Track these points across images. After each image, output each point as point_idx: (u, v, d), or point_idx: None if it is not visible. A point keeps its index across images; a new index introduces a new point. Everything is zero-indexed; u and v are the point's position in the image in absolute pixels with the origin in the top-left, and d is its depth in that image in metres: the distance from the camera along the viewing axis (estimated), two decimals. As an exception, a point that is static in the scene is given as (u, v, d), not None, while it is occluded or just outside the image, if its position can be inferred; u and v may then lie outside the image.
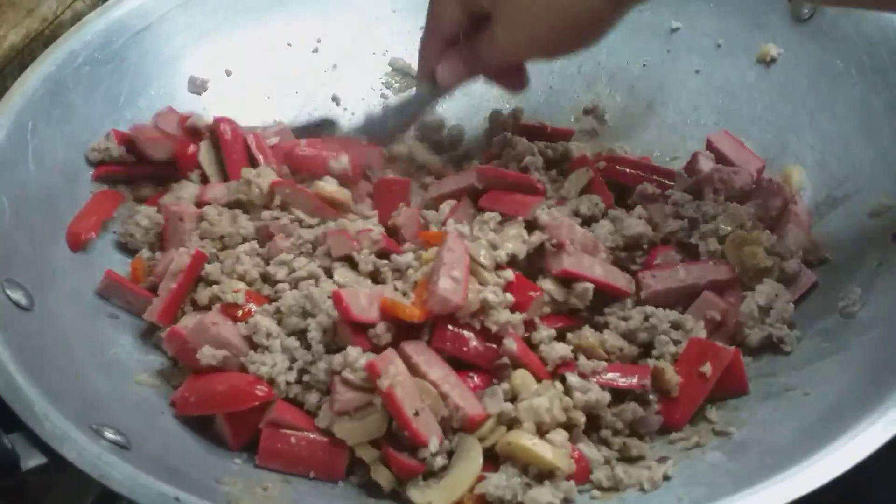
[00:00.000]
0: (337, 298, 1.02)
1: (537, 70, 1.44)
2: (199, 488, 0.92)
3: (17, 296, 1.02)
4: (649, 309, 1.10)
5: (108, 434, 0.91)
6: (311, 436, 1.01)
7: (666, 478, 0.99)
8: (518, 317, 1.04)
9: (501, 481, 0.96)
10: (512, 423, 1.01)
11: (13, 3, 1.27)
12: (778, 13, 1.34)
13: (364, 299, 1.03)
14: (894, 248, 1.11)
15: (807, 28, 1.31)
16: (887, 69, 1.22)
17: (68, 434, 0.88)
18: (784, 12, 1.33)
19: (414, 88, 1.39)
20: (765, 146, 1.31)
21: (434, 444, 0.97)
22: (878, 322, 1.05)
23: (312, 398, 1.03)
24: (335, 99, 1.45)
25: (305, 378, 1.04)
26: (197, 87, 1.36)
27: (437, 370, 1.01)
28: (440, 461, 0.98)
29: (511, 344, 1.02)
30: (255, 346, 1.05)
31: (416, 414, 0.97)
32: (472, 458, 0.97)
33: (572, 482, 0.97)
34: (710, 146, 1.31)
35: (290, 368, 1.04)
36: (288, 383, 1.03)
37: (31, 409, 0.89)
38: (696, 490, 0.94)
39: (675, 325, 1.10)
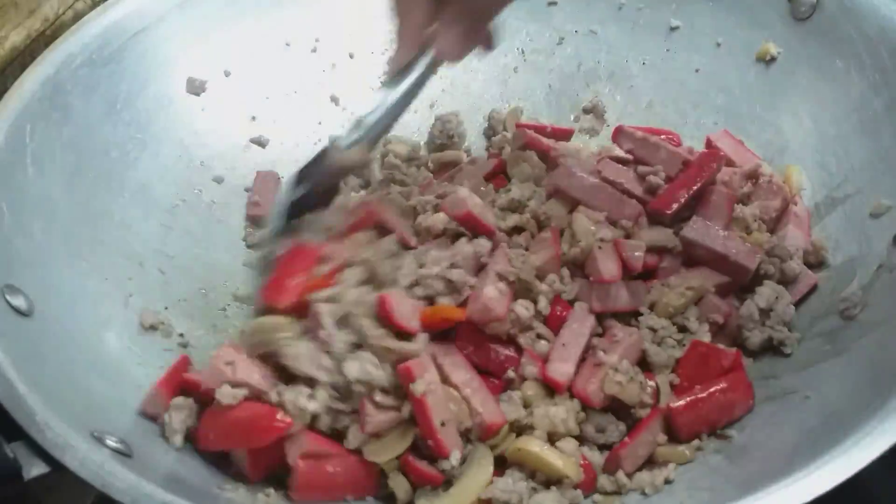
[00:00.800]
0: (382, 301, 1.02)
1: (537, 69, 1.46)
2: (201, 496, 0.93)
3: (18, 302, 1.02)
4: (654, 321, 1.09)
5: (110, 442, 0.91)
6: (345, 460, 0.99)
7: (667, 481, 0.99)
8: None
9: (508, 486, 0.96)
10: (522, 430, 1.01)
11: (15, 4, 1.26)
12: (777, 12, 1.33)
13: (408, 308, 1.03)
14: (894, 250, 1.11)
15: (806, 27, 1.30)
16: (887, 68, 1.21)
17: (70, 442, 0.88)
18: (784, 11, 1.33)
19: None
20: (764, 146, 1.31)
21: (455, 457, 0.97)
22: (879, 324, 1.04)
23: (345, 421, 1.01)
24: (334, 99, 1.44)
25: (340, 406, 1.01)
26: (195, 87, 1.36)
27: (461, 373, 1.01)
28: (458, 472, 0.98)
29: (532, 369, 1.03)
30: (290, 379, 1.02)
31: (443, 425, 0.97)
32: (482, 467, 0.98)
33: (579, 491, 0.97)
34: (709, 146, 1.31)
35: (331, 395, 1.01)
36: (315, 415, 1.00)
37: (32, 417, 0.89)
38: (698, 494, 0.95)
39: (681, 329, 1.09)
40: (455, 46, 1.05)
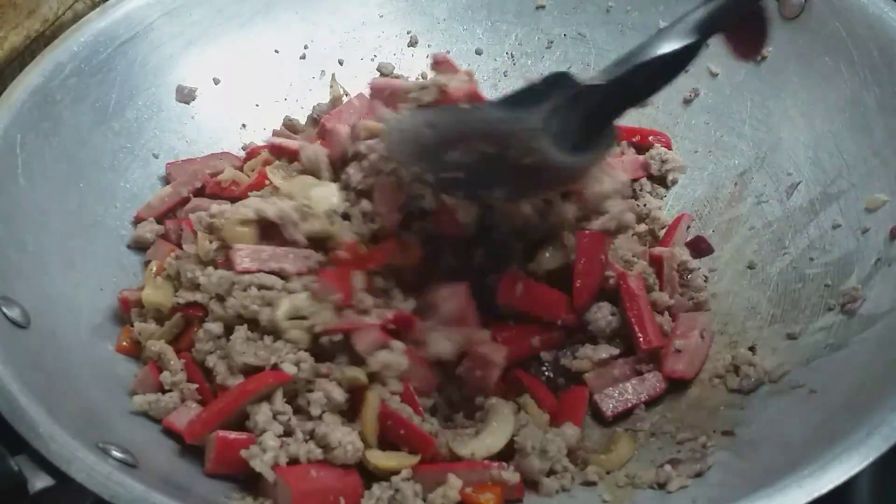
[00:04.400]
0: None
1: (527, 73, 1.46)
2: (209, 505, 0.91)
3: (14, 313, 1.00)
4: None
5: (115, 453, 0.90)
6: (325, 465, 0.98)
7: (677, 477, 0.99)
8: None
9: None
10: None
11: (14, 4, 1.25)
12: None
13: None
14: (891, 243, 1.11)
15: (795, 26, 1.31)
16: (877, 65, 1.22)
17: (75, 454, 0.86)
18: (772, 10, 1.33)
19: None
20: (757, 143, 1.31)
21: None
22: (879, 317, 1.05)
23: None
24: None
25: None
26: (185, 96, 1.35)
27: None
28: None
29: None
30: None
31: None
32: (507, 415, 1.02)
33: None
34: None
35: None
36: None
37: (35, 429, 0.88)
38: (709, 490, 0.94)
39: None
40: None
